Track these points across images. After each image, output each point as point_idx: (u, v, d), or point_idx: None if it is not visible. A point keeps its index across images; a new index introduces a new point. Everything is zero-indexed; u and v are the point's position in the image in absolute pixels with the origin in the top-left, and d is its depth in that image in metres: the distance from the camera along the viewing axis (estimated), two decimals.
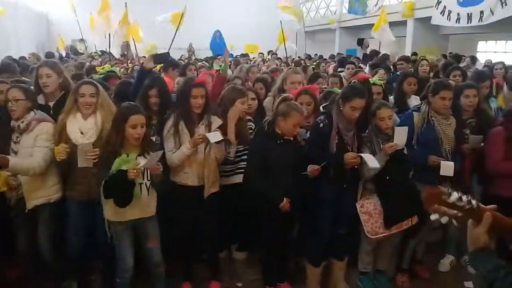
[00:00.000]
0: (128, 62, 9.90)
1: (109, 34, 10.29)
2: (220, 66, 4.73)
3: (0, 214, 3.06)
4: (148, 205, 2.98)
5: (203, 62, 8.95)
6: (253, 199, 3.24)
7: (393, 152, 3.16)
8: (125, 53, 11.77)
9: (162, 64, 4.87)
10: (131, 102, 3.05)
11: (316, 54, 14.97)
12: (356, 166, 3.21)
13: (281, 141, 3.16)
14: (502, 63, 6.11)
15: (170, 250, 3.28)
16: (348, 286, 3.55)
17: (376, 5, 14.53)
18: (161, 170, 2.86)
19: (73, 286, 3.38)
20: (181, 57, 13.14)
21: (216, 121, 3.27)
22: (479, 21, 9.89)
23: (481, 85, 4.09)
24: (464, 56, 9.60)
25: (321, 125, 3.23)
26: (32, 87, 3.34)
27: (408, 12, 13.11)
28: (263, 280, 3.50)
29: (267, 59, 10.72)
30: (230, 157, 3.39)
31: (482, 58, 9.62)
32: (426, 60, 6.09)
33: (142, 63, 4.19)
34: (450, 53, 9.58)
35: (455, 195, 1.40)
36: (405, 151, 3.28)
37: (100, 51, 12.97)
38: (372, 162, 3.09)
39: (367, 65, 7.47)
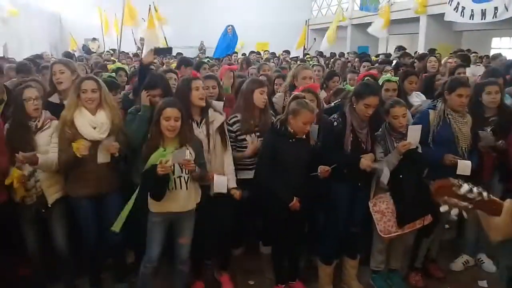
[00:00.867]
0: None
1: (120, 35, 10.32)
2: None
3: (9, 213, 3.07)
4: (188, 199, 2.99)
5: (215, 60, 8.91)
6: (263, 196, 3.25)
7: (407, 150, 3.14)
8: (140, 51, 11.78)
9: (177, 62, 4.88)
10: (170, 98, 3.10)
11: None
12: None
13: (294, 140, 3.14)
14: None
15: None
16: (360, 285, 3.53)
17: (388, 1, 14.39)
18: (193, 166, 2.87)
19: (85, 283, 3.40)
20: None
21: (218, 119, 3.25)
22: (493, 18, 9.75)
23: None
24: (476, 52, 9.48)
25: (335, 123, 3.22)
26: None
27: (420, 9, 12.99)
28: (275, 278, 3.49)
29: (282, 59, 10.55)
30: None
31: None
32: (435, 56, 5.99)
33: (141, 59, 4.19)
34: (462, 50, 9.44)
35: (465, 187, 1.39)
36: (419, 150, 3.26)
37: (111, 49, 13.07)
38: (385, 178, 3.13)
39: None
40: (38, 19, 16.25)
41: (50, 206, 3.04)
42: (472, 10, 10.43)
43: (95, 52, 13.66)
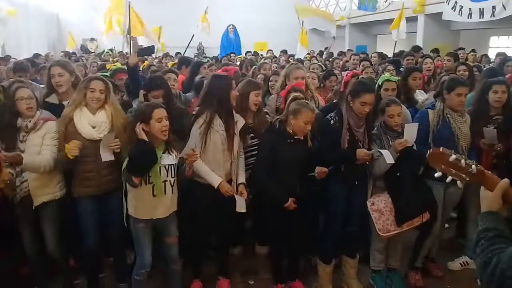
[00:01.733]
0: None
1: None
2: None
3: (7, 212, 3.06)
4: (171, 203, 3.02)
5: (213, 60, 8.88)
6: (259, 195, 3.26)
7: (403, 148, 3.14)
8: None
9: (176, 62, 4.89)
10: (148, 102, 3.12)
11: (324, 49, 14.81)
12: (367, 163, 3.21)
13: (292, 140, 3.15)
14: None
15: (181, 247, 3.27)
16: (360, 284, 3.54)
17: (386, 1, 14.41)
18: (197, 157, 2.90)
19: (84, 283, 3.40)
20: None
21: (241, 120, 3.27)
22: (491, 16, 9.75)
23: None
24: (474, 51, 9.47)
25: (332, 122, 3.22)
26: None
27: (418, 8, 13.00)
28: (273, 278, 3.50)
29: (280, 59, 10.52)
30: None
31: (494, 53, 9.46)
32: (430, 57, 5.87)
33: (127, 61, 4.17)
34: (460, 48, 9.43)
35: (453, 156, 1.50)
36: (414, 147, 3.25)
37: (110, 49, 13.04)
38: (389, 158, 3.09)
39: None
40: (36, 19, 16.21)
41: (35, 208, 3.02)
42: (470, 9, 10.42)
43: (93, 52, 13.64)
